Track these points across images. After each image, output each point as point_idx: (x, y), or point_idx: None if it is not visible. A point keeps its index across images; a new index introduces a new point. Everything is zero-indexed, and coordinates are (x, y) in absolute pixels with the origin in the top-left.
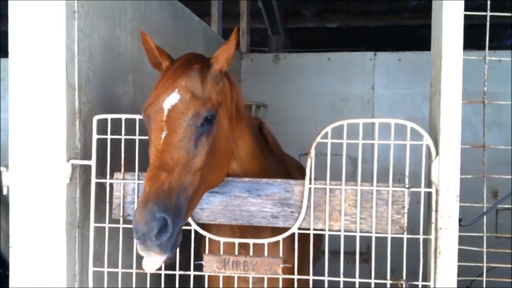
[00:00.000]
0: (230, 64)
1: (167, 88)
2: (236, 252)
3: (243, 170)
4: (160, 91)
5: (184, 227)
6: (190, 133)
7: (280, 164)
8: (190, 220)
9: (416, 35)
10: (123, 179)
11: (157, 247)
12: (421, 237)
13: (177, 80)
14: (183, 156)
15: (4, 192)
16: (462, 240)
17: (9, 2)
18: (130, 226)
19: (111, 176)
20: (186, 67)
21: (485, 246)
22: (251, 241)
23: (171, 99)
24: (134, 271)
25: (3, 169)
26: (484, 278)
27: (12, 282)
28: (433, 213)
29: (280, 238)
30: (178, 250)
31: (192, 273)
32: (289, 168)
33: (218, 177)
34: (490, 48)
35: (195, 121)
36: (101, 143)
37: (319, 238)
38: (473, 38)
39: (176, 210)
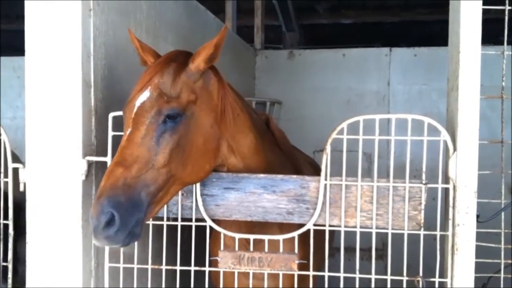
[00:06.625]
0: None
1: (142, 86)
2: (239, 247)
3: (246, 165)
4: (136, 88)
5: (200, 223)
6: (152, 130)
7: (287, 159)
8: (205, 216)
9: (432, 31)
10: None
11: (105, 239)
12: (438, 233)
13: (152, 78)
14: (144, 152)
15: (21, 189)
16: (476, 236)
17: (26, 1)
18: (146, 222)
19: None
20: (164, 65)
21: (502, 242)
22: (266, 237)
23: (142, 97)
24: (149, 267)
25: (19, 166)
26: (502, 275)
27: (29, 278)
28: (450, 210)
29: (295, 234)
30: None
31: (207, 269)
32: (298, 163)
33: (194, 173)
34: (507, 43)
35: (157, 119)
36: (117, 140)
37: (325, 236)
38: (489, 33)
39: (131, 206)
